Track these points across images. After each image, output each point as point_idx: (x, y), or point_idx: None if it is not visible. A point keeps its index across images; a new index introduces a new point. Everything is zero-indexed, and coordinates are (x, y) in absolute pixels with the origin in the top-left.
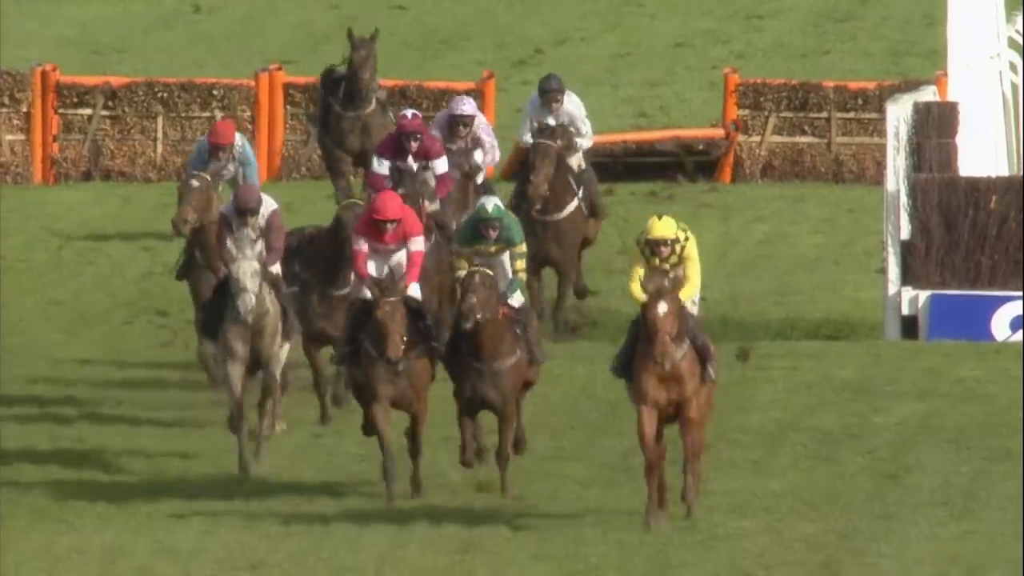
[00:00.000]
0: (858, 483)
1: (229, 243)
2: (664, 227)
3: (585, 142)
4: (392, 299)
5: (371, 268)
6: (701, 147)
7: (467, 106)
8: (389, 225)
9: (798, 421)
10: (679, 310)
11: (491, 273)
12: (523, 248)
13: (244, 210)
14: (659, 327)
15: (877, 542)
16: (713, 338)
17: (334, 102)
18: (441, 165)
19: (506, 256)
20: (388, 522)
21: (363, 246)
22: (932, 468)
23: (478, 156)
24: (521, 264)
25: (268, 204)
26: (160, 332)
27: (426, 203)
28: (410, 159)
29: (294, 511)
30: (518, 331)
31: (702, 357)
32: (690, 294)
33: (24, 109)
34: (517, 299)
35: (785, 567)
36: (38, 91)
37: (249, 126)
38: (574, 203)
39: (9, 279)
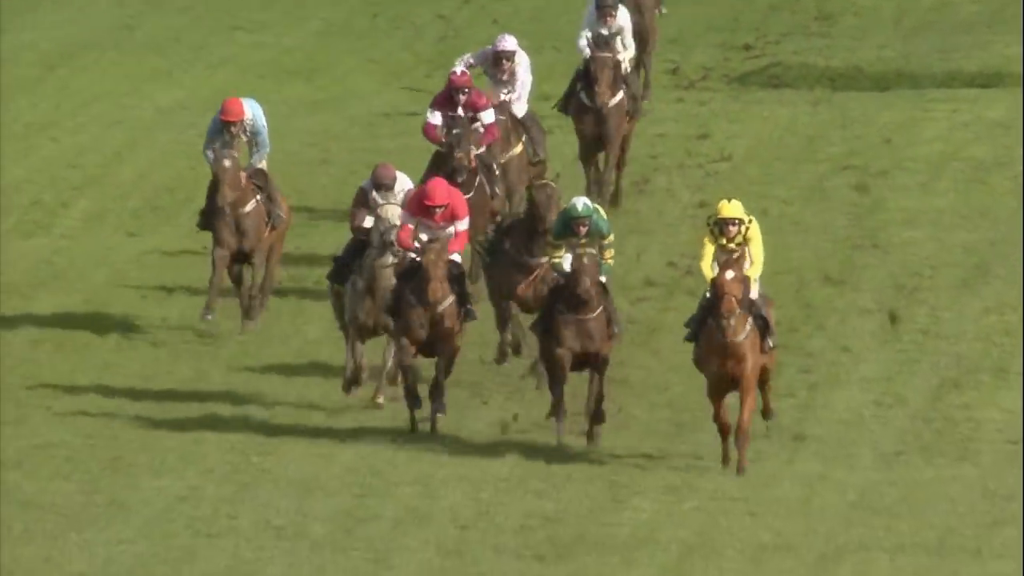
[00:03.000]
0: (1005, 201)
1: (374, 194)
2: (733, 208)
3: (628, 54)
4: (437, 246)
5: (423, 236)
6: None
7: (509, 43)
8: (438, 209)
9: (957, 152)
10: (745, 280)
11: (594, 252)
12: (611, 238)
13: (380, 185)
14: (726, 290)
15: (1022, 248)
16: (887, 85)
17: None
18: (487, 116)
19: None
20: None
21: (411, 223)
22: None
23: (511, 92)
24: (610, 253)
25: (405, 182)
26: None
27: (472, 148)
28: (459, 111)
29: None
30: (604, 302)
31: (762, 331)
32: (755, 273)
33: None
34: (603, 277)
35: (946, 268)
36: None
37: None
38: (620, 95)
39: None
